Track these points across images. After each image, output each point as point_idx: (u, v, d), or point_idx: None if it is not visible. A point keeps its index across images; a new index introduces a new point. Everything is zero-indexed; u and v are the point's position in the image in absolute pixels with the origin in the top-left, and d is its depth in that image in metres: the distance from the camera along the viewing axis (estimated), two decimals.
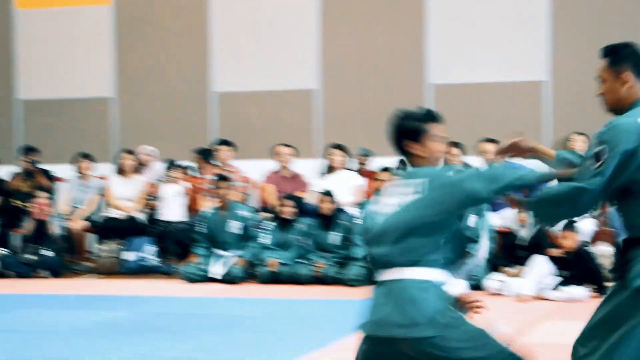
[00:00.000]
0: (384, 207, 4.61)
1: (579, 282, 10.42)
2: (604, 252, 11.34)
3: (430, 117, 4.73)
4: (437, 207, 4.49)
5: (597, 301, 10.66)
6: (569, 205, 4.47)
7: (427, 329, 4.44)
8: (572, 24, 14.20)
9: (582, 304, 10.04)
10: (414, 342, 4.45)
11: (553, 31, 14.19)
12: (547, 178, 4.61)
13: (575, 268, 10.44)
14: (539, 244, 10.94)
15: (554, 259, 10.56)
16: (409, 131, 4.68)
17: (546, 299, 10.41)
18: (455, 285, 11.15)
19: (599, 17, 14.15)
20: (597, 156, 4.38)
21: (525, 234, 11.30)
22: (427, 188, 4.52)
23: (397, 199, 4.59)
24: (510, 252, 11.25)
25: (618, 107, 4.65)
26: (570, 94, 13.93)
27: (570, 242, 10.56)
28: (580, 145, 12.79)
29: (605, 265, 11.09)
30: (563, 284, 10.40)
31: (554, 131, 13.87)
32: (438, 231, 4.53)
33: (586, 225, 11.77)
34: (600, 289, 10.46)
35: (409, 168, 4.73)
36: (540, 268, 10.58)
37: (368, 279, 11.79)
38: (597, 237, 11.84)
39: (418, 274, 4.53)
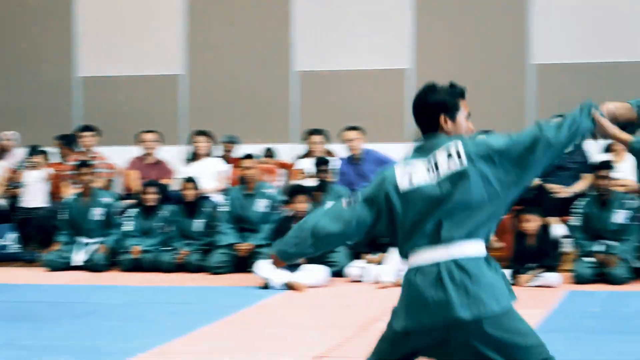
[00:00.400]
0: (425, 180, 4.19)
1: None
2: None
3: (462, 93, 4.39)
4: (511, 174, 4.14)
5: None
6: None
7: (495, 305, 4.05)
8: (435, 13, 14.46)
9: None
10: (479, 323, 4.04)
11: (417, 20, 14.43)
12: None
13: None
14: None
15: None
16: (447, 106, 4.31)
17: None
18: (317, 271, 11.26)
19: (460, 5, 14.45)
20: None
21: None
22: (480, 157, 4.14)
23: (439, 170, 4.17)
24: (371, 240, 11.39)
25: None
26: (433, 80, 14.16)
27: None
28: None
29: None
30: None
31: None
32: (502, 202, 4.18)
33: None
34: None
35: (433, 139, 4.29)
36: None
37: (231, 266, 11.88)
38: None
39: (472, 249, 4.13)
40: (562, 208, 11.47)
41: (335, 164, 12.48)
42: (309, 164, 12.81)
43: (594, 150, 12.43)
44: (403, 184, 4.22)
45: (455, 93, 4.35)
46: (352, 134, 12.79)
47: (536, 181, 12.02)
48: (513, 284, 10.49)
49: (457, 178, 4.12)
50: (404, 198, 4.20)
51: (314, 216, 4.46)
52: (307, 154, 13.23)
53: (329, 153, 13.13)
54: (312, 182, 12.09)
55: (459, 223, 4.10)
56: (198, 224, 12.40)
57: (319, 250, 4.47)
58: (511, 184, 4.15)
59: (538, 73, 14.10)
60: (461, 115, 4.33)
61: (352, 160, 12.66)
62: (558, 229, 11.31)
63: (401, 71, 14.46)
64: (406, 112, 14.10)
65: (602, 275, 10.65)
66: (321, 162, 12.24)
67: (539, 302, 9.40)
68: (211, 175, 13.02)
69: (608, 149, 12.09)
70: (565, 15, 14.06)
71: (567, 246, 11.20)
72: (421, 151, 4.29)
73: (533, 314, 8.65)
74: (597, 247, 10.86)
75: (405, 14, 14.46)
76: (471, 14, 14.38)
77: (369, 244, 11.24)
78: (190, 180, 12.52)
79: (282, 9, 14.82)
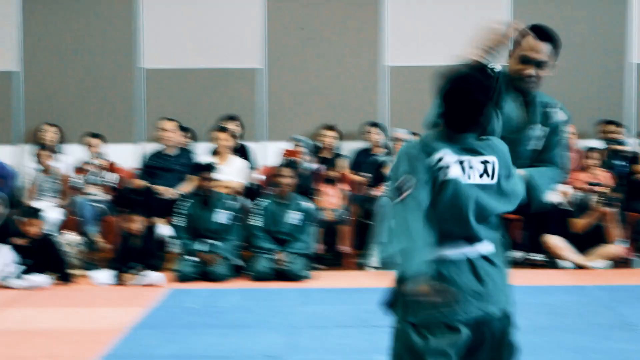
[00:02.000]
0: (473, 179, 4.11)
1: (42, 270, 10.56)
2: (70, 240, 11.61)
3: None
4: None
5: (60, 288, 10.85)
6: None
7: (513, 304, 4.24)
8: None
9: (44, 291, 10.24)
10: (505, 320, 4.20)
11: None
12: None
13: (39, 256, 10.58)
14: (5, 232, 10.96)
15: (18, 248, 10.63)
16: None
17: (9, 287, 10.47)
18: None
19: None
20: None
21: None
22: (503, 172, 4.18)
23: (481, 172, 4.12)
24: None
25: None
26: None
27: (34, 229, 10.67)
28: (50, 135, 13.04)
29: (71, 253, 11.38)
30: (27, 272, 10.49)
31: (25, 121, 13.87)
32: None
33: (53, 214, 12.02)
34: (63, 277, 10.67)
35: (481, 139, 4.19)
36: (3, 257, 10.63)
37: None
38: (63, 226, 12.11)
39: (492, 246, 4.21)
40: (167, 209, 11.75)
41: None
42: None
43: (200, 152, 12.87)
44: (457, 173, 4.09)
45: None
46: None
47: (142, 183, 12.28)
48: (119, 284, 10.66)
49: (490, 187, 4.13)
50: (456, 189, 4.08)
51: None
52: None
53: None
54: None
55: (484, 222, 4.14)
56: None
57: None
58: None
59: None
60: None
61: None
62: (163, 229, 11.59)
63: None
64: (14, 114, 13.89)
65: (205, 274, 11.00)
66: None
67: (140, 300, 9.59)
68: None
69: (214, 152, 12.51)
70: None
71: (173, 246, 11.48)
72: (470, 147, 4.16)
73: (133, 311, 8.88)
74: (200, 246, 11.22)
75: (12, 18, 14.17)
76: None
77: None
78: None
79: None
